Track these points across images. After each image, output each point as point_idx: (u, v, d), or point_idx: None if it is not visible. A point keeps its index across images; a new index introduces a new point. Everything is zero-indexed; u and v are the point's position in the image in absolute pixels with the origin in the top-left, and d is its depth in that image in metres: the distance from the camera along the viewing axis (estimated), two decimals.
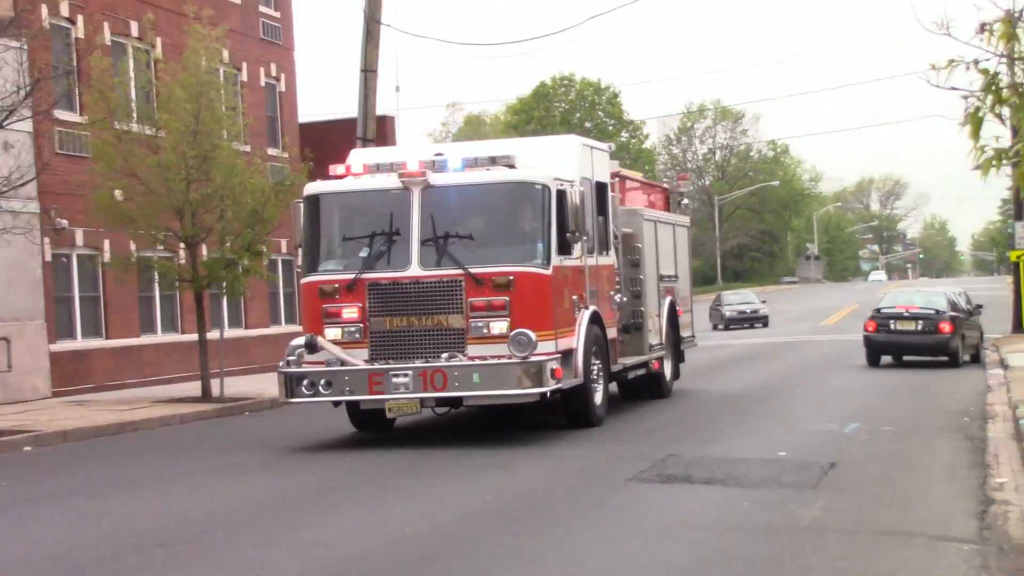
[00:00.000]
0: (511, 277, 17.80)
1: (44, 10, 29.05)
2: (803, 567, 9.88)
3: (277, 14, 41.40)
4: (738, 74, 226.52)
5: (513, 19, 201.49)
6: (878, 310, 32.47)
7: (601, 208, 20.77)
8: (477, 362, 17.54)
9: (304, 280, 18.94)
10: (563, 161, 19.46)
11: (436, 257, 18.11)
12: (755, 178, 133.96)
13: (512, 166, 18.53)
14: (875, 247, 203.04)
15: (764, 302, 62.02)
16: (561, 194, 18.40)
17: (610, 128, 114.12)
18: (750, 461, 15.36)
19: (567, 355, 18.38)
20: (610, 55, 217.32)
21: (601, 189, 20.91)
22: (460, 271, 17.82)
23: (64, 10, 30.70)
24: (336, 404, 18.85)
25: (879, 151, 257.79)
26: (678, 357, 25.62)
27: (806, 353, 38.57)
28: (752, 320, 59.27)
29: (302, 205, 19.22)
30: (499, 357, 17.47)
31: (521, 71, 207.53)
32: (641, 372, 22.76)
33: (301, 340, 18.25)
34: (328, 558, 10.72)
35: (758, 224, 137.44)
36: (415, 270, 17.99)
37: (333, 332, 18.21)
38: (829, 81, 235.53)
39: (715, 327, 59.33)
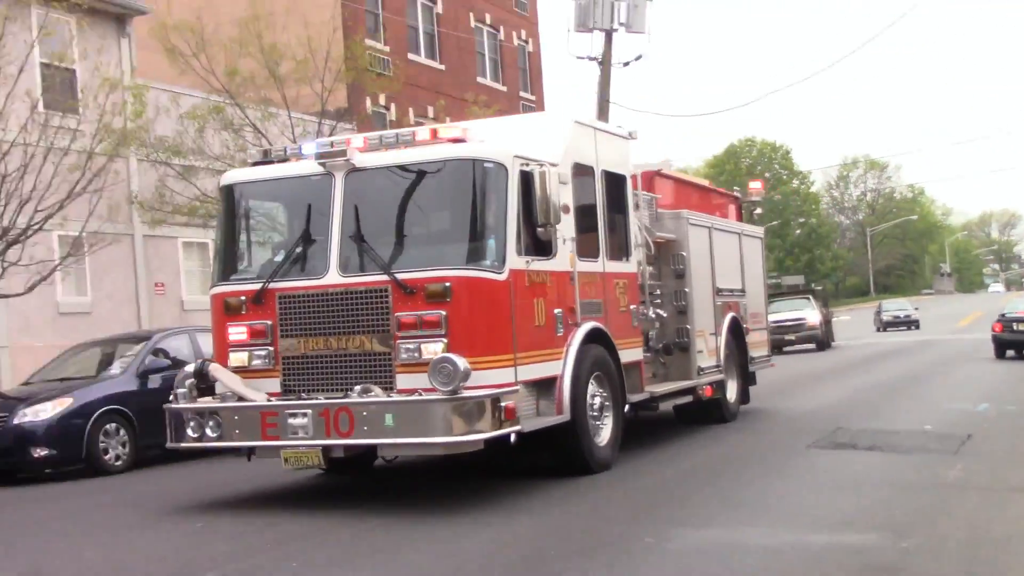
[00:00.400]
0: (447, 284, 10.35)
1: (368, 102, 30.14)
2: (949, 515, 9.50)
3: (532, 97, 42.63)
4: (885, 130, 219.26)
5: (710, 90, 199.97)
6: (1003, 315, 30.93)
7: (617, 205, 13.24)
8: (395, 399, 10.25)
9: (211, 291, 11.73)
10: (545, 141, 11.85)
11: (360, 260, 10.88)
12: (898, 213, 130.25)
13: (460, 140, 11.01)
14: (995, 265, 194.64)
15: (917, 309, 59.76)
16: (527, 177, 10.92)
17: (784, 177, 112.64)
18: (902, 432, 14.77)
19: (546, 385, 11.28)
20: (783, 116, 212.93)
21: (614, 181, 13.19)
22: (385, 277, 10.56)
23: (381, 100, 31.87)
24: (251, 451, 11.30)
25: (999, 190, 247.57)
26: (747, 379, 17.86)
27: (944, 349, 36.89)
28: (907, 323, 56.79)
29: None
30: (434, 390, 10.09)
31: (716, 132, 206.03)
32: (687, 400, 15.31)
33: (191, 368, 11.48)
34: (493, 533, 10.75)
35: (901, 249, 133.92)
36: (334, 277, 10.80)
37: (239, 357, 11.16)
38: (960, 136, 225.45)
39: (877, 329, 57.48)
